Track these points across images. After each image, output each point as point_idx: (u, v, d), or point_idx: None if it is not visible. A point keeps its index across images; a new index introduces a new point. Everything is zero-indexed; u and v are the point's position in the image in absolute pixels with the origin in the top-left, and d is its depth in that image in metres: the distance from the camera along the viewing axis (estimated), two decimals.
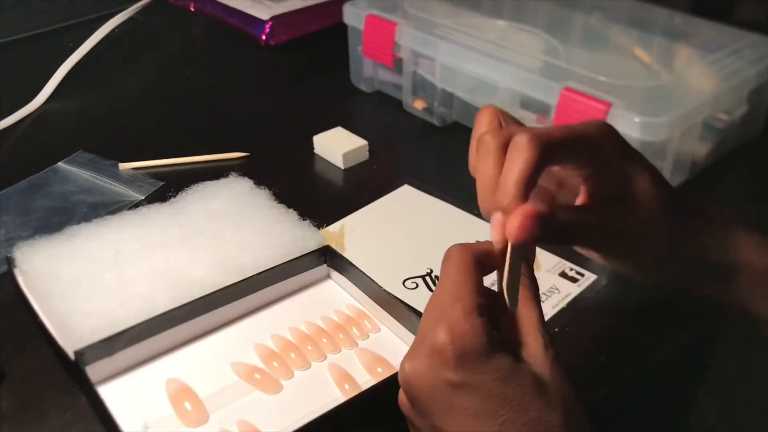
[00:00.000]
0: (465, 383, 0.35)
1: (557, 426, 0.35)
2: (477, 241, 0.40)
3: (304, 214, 0.59)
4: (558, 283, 0.58)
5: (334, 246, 0.57)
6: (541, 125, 0.69)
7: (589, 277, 0.58)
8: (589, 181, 0.42)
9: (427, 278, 0.58)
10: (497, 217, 0.39)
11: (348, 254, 0.57)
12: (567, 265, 0.60)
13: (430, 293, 0.56)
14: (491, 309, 0.38)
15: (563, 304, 0.56)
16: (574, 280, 0.58)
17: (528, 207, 0.37)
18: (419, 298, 0.56)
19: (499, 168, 0.39)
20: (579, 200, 0.44)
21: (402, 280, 0.58)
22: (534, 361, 0.37)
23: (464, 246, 0.39)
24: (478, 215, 0.65)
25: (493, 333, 0.36)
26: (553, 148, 0.39)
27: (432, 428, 0.37)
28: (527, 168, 0.38)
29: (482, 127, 0.42)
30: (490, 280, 0.39)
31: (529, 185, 0.38)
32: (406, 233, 0.64)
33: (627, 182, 0.42)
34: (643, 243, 0.44)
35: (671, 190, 0.45)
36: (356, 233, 0.63)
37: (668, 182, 0.45)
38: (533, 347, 0.37)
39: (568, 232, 0.42)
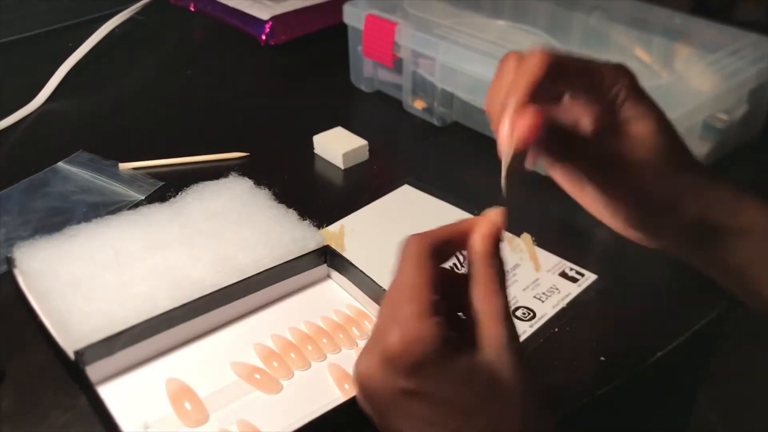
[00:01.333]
0: (417, 391, 0.34)
1: (513, 429, 0.35)
2: (438, 227, 0.39)
3: (304, 214, 0.59)
4: (558, 283, 0.58)
5: (334, 246, 0.57)
6: None
7: (589, 277, 0.58)
8: (597, 122, 0.42)
9: None
10: (503, 127, 0.38)
11: (348, 254, 0.57)
12: (567, 265, 0.60)
13: None
14: (452, 297, 0.37)
15: (563, 304, 0.56)
16: (574, 280, 0.58)
17: (536, 108, 0.38)
18: None
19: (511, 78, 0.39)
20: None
21: None
22: (495, 354, 0.35)
23: (421, 236, 0.38)
24: (478, 215, 0.65)
25: (448, 332, 0.35)
26: (565, 66, 0.39)
27: (387, 429, 0.37)
28: (538, 72, 0.38)
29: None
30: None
31: (535, 87, 0.38)
32: (406, 233, 0.63)
33: (635, 123, 0.42)
34: (641, 189, 0.44)
35: (680, 143, 0.44)
36: (356, 233, 0.63)
37: (679, 136, 0.44)
38: (495, 339, 0.36)
39: (571, 145, 0.42)
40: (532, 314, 0.55)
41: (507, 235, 0.39)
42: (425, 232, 0.38)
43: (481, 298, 0.37)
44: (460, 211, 0.66)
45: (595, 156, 0.43)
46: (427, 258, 0.37)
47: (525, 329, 0.53)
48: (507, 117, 0.38)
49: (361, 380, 0.36)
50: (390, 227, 0.65)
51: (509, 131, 0.38)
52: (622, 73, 0.42)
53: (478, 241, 0.38)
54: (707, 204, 0.44)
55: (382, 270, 0.58)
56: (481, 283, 0.37)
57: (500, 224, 0.38)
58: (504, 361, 0.35)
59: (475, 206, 0.66)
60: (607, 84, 0.42)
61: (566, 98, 0.43)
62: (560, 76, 0.40)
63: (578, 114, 0.44)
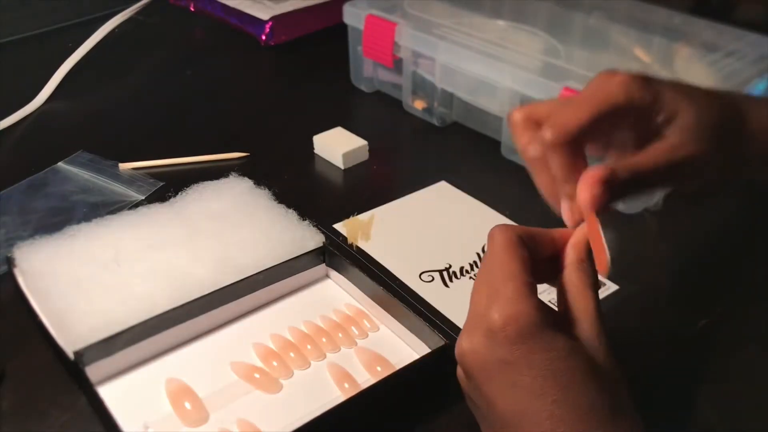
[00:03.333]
0: (519, 362, 0.36)
1: (606, 411, 0.35)
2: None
3: (304, 214, 0.59)
4: None
5: (360, 233, 0.57)
6: None
7: (610, 287, 0.58)
8: (634, 131, 0.43)
9: (444, 273, 0.59)
10: (564, 204, 0.41)
11: (372, 242, 0.57)
12: None
13: (446, 288, 0.57)
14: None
15: None
16: None
17: (590, 175, 0.39)
18: (433, 291, 0.57)
19: (552, 177, 0.42)
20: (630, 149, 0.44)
21: (419, 273, 0.58)
22: (588, 344, 0.37)
23: (506, 225, 0.40)
24: (510, 216, 0.65)
25: (547, 310, 0.37)
26: (580, 135, 0.40)
27: (487, 402, 0.38)
28: (565, 166, 0.40)
29: (521, 138, 0.43)
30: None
31: (574, 170, 0.40)
32: (434, 228, 0.65)
33: (669, 124, 0.42)
34: (702, 169, 0.44)
35: (716, 114, 0.44)
36: (385, 223, 0.64)
37: (713, 103, 0.44)
38: (588, 331, 0.37)
39: (632, 184, 0.42)
40: None
41: None
42: (510, 225, 0.40)
43: (571, 298, 0.39)
44: (493, 211, 0.66)
45: (652, 174, 0.43)
46: (516, 243, 0.39)
47: None
48: (567, 210, 0.41)
49: (464, 356, 0.38)
50: (419, 220, 0.65)
51: (586, 201, 0.39)
52: (630, 87, 0.42)
53: (572, 247, 0.40)
54: (759, 145, 0.46)
55: (402, 261, 0.59)
56: (573, 284, 0.39)
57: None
58: (598, 349, 0.37)
59: (506, 207, 0.66)
60: (624, 108, 0.41)
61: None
62: (582, 142, 0.41)
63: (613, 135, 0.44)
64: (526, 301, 0.36)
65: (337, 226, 0.64)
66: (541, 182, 0.43)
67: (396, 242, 0.62)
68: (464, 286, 0.57)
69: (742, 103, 0.47)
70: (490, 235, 0.39)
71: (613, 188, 0.39)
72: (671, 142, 0.42)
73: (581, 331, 0.38)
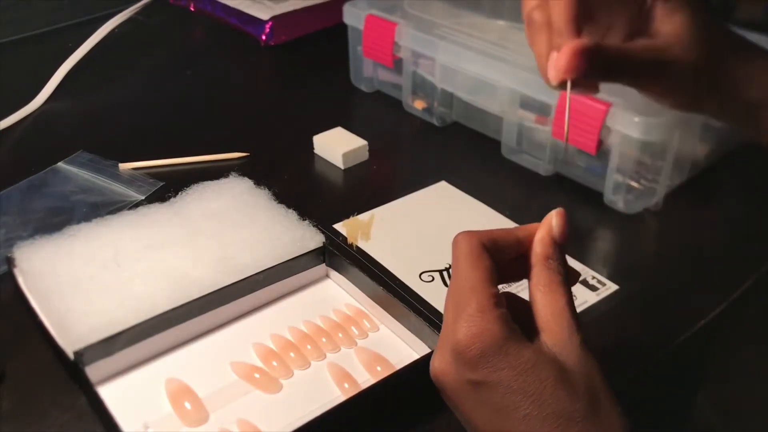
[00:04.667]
0: (485, 381, 0.36)
1: (580, 416, 0.35)
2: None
3: (304, 214, 0.59)
4: (575, 289, 0.57)
5: (360, 233, 0.57)
6: (542, 126, 0.69)
7: (610, 287, 0.58)
8: (631, 24, 0.44)
9: (444, 273, 0.59)
10: (553, 56, 0.42)
11: (372, 242, 0.57)
12: (590, 273, 0.59)
13: (446, 288, 0.56)
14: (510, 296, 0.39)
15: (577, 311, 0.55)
16: (593, 288, 0.58)
17: (575, 42, 0.40)
18: (433, 291, 0.57)
19: (550, 42, 0.43)
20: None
21: (419, 273, 0.58)
22: (559, 348, 0.37)
23: (470, 233, 0.39)
24: (510, 216, 0.65)
25: (512, 324, 0.36)
26: None
27: (463, 420, 0.38)
28: (569, 7, 0.41)
29: (529, 1, 0.45)
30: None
31: (576, 22, 0.41)
32: (434, 227, 0.65)
33: (666, 20, 0.44)
34: (684, 77, 0.46)
35: (711, 27, 0.46)
36: (385, 223, 0.64)
37: (710, 19, 0.46)
38: (558, 333, 0.37)
39: (614, 65, 0.43)
40: None
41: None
42: (474, 231, 0.39)
43: (540, 298, 0.38)
44: (493, 211, 0.66)
45: (638, 56, 0.45)
46: (480, 253, 0.38)
47: None
48: (557, 56, 0.42)
49: (436, 377, 0.38)
50: (419, 220, 0.65)
51: (562, 66, 0.41)
52: None
53: (538, 243, 0.39)
54: (743, 78, 0.48)
55: (402, 261, 0.59)
56: (541, 283, 0.38)
57: (559, 227, 0.39)
58: (569, 350, 0.36)
59: (506, 207, 0.66)
60: None
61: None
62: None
63: (609, 25, 0.46)
64: (489, 317, 0.36)
65: (337, 226, 0.64)
66: (539, 45, 0.44)
67: (396, 242, 0.62)
68: None
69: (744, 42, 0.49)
70: (454, 245, 0.39)
71: (594, 62, 0.40)
72: (662, 38, 0.44)
73: (552, 332, 0.37)
